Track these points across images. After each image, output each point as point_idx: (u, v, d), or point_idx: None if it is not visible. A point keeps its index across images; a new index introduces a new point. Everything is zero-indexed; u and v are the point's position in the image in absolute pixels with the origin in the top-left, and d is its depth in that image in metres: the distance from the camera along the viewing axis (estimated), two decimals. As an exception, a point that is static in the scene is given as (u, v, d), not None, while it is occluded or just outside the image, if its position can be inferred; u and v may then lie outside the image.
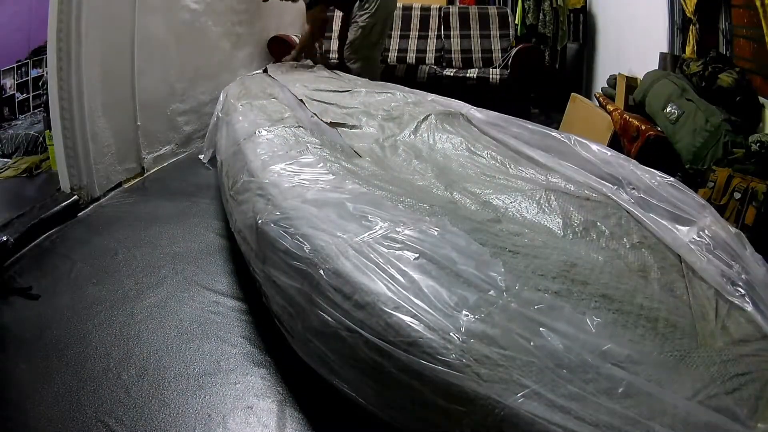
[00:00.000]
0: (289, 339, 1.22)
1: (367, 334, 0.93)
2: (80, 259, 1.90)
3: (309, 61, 3.53)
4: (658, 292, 1.03)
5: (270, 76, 3.04)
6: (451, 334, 0.85)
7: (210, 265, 1.87)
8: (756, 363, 0.89)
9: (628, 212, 1.30)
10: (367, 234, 1.10)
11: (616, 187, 1.43)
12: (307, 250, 1.12)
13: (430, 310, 0.90)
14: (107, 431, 1.17)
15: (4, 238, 1.88)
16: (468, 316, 0.88)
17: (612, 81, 3.14)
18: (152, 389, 1.29)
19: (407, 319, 0.89)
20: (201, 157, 2.87)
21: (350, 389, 1.01)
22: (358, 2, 3.24)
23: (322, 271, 1.06)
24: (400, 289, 0.95)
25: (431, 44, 4.05)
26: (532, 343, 0.84)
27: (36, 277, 1.78)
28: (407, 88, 2.59)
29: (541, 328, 0.87)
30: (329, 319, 1.01)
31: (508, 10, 4.04)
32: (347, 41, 3.33)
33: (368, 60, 3.36)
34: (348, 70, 3.35)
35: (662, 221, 1.26)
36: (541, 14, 3.97)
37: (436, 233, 1.10)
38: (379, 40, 3.39)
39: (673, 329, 0.94)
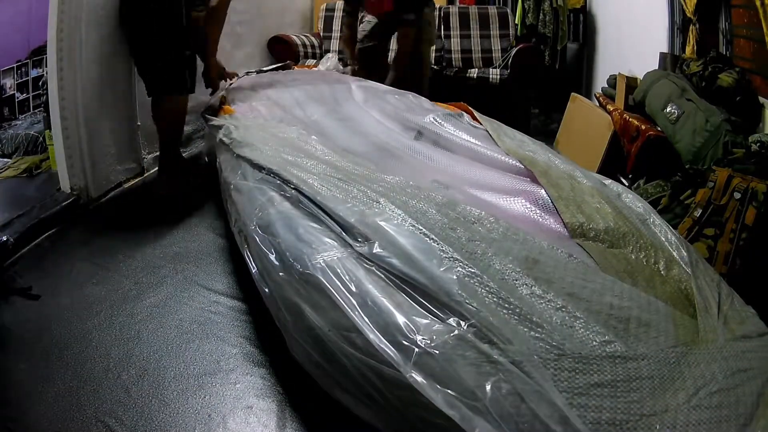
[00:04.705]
0: (287, 340, 1.22)
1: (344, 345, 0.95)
2: (80, 258, 1.90)
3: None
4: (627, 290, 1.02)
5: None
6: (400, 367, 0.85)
7: (210, 265, 1.87)
8: (757, 359, 0.89)
9: None
10: (348, 247, 1.12)
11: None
12: (291, 259, 1.13)
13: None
14: (107, 431, 1.17)
15: (4, 238, 1.88)
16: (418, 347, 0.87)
17: (612, 81, 3.14)
18: (152, 389, 1.29)
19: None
20: (203, 158, 2.87)
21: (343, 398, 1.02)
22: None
23: (299, 279, 1.07)
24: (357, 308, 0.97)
25: (431, 44, 4.03)
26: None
27: (36, 277, 1.78)
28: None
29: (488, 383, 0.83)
30: (312, 325, 1.02)
31: (508, 10, 4.04)
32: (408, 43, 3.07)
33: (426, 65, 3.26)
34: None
35: None
36: (541, 14, 3.96)
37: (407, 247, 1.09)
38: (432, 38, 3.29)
39: (647, 328, 0.93)
